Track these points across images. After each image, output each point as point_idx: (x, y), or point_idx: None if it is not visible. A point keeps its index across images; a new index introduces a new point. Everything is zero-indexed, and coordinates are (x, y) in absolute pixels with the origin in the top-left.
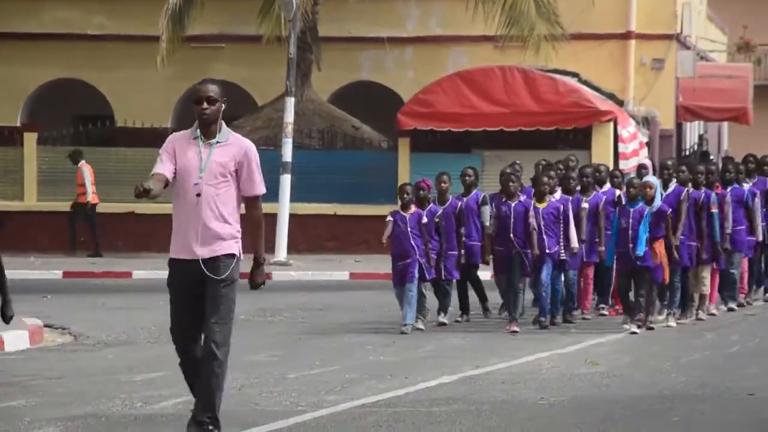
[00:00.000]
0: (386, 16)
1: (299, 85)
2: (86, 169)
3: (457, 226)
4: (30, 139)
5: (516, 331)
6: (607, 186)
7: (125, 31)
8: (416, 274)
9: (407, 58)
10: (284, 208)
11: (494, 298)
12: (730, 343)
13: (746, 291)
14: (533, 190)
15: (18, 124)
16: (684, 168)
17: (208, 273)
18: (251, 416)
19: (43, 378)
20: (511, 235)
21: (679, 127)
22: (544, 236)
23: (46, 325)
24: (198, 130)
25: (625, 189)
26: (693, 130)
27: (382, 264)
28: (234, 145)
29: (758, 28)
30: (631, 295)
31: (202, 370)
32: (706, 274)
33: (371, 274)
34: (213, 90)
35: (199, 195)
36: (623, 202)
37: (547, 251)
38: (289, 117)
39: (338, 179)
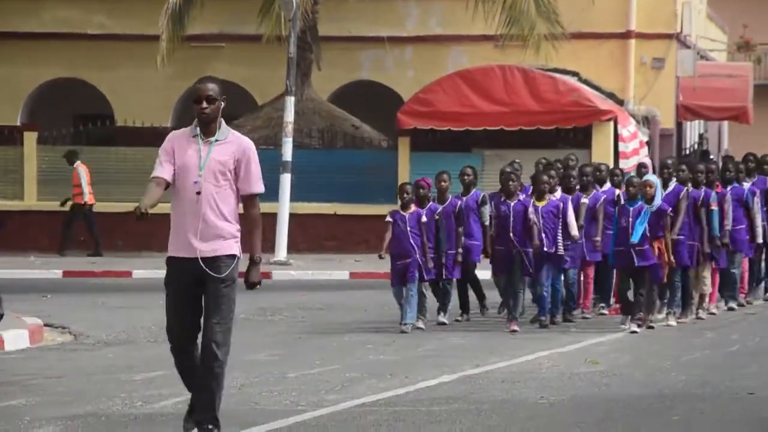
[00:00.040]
0: (386, 15)
1: (299, 84)
2: (82, 170)
3: (457, 225)
4: (30, 138)
5: (516, 331)
6: (608, 185)
7: (125, 31)
8: (417, 274)
9: (407, 57)
10: (284, 207)
11: (494, 297)
12: (731, 342)
13: (746, 290)
14: (532, 189)
15: (18, 123)
16: (684, 167)
17: (209, 272)
18: (251, 415)
19: (43, 377)
20: (511, 234)
21: (679, 126)
22: (543, 235)
23: (46, 325)
24: (197, 128)
25: (624, 188)
26: (693, 130)
27: (382, 263)
28: (233, 143)
29: (758, 27)
30: (630, 294)
31: (202, 370)
32: (707, 273)
33: (371, 274)
34: (212, 89)
35: (198, 193)
36: (622, 201)
37: (546, 250)
38: (289, 116)
39: (338, 178)
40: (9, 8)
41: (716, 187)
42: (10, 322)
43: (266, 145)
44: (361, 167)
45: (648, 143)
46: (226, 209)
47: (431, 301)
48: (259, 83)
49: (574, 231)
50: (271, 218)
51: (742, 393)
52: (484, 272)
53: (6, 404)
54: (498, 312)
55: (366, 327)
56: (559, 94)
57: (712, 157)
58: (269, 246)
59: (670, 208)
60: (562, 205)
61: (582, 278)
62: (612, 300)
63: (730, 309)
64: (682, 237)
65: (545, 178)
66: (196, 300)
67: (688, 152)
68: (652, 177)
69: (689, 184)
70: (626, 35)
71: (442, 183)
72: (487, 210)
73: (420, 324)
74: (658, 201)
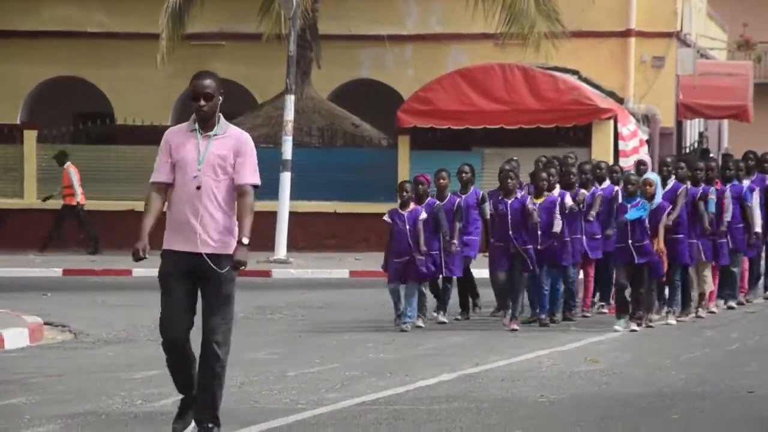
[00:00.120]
0: (386, 13)
1: (299, 82)
2: (72, 170)
3: (455, 221)
4: (30, 137)
5: (516, 330)
6: (607, 183)
7: (125, 29)
8: (416, 273)
9: (407, 55)
10: (284, 205)
11: (488, 295)
12: (730, 340)
13: (746, 289)
14: (532, 186)
15: (18, 121)
16: (682, 164)
17: (213, 267)
18: (251, 414)
19: (43, 375)
20: (510, 233)
21: (679, 124)
22: (539, 232)
23: (46, 323)
24: (195, 123)
25: (622, 185)
26: (693, 128)
27: (382, 262)
28: (232, 138)
29: (758, 25)
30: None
31: (203, 369)
32: (708, 272)
33: (371, 272)
34: (209, 86)
35: (199, 188)
36: (620, 199)
37: (542, 247)
38: (289, 115)
39: (338, 177)
40: (9, 7)
41: (715, 184)
42: (10, 321)
43: (266, 143)
44: (361, 166)
45: (648, 142)
46: (227, 204)
47: (430, 300)
48: (259, 82)
49: (570, 203)
50: (271, 217)
51: (741, 391)
52: (481, 271)
53: (6, 403)
54: (491, 314)
55: (366, 325)
56: (559, 93)
57: (712, 155)
58: (269, 245)
59: (670, 206)
60: (560, 199)
61: (582, 276)
62: (612, 299)
63: (730, 308)
64: (681, 236)
65: (544, 175)
66: (192, 295)
67: (688, 151)
68: (652, 175)
69: (688, 182)
70: (626, 34)
71: (441, 180)
72: (487, 207)
73: (420, 323)
74: (658, 199)
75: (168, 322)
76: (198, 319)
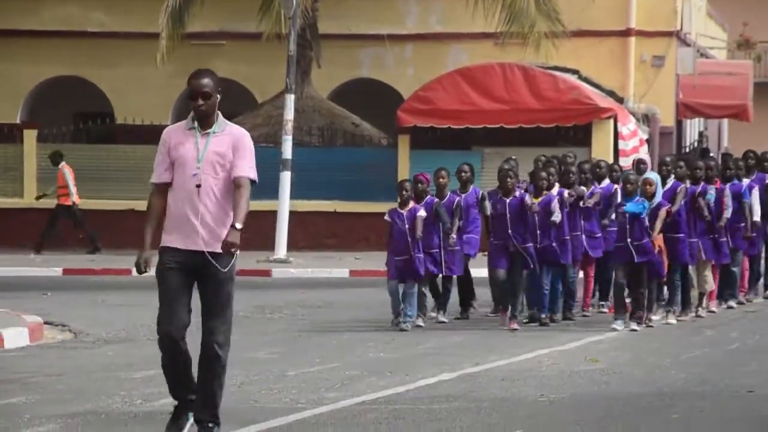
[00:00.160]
0: (386, 13)
1: (299, 82)
2: (67, 170)
3: (454, 218)
4: (30, 136)
5: (516, 329)
6: (606, 181)
7: (125, 29)
8: (416, 272)
9: (407, 55)
10: (284, 205)
11: (485, 295)
12: (730, 340)
13: (746, 289)
14: (532, 186)
15: (18, 121)
16: (681, 163)
17: (215, 264)
18: (251, 413)
19: (43, 375)
20: (510, 231)
21: (679, 124)
22: (538, 231)
23: (46, 322)
24: (194, 121)
25: (621, 185)
26: (693, 127)
27: (382, 261)
28: (231, 135)
29: (758, 25)
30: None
31: (203, 369)
32: (708, 272)
33: (371, 272)
34: (207, 85)
35: (199, 186)
36: (618, 198)
37: (541, 245)
38: (289, 114)
39: (338, 176)
40: (9, 6)
41: (715, 183)
42: (10, 320)
43: (266, 143)
44: (361, 165)
45: (648, 141)
46: (226, 202)
47: (430, 299)
48: (259, 81)
49: (555, 217)
50: (271, 216)
51: (741, 391)
52: (480, 270)
53: (6, 402)
54: (486, 315)
55: (366, 325)
56: (559, 92)
57: (711, 154)
58: (269, 244)
59: (669, 205)
60: (558, 197)
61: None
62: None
63: (730, 307)
64: (681, 235)
65: (544, 174)
66: (189, 293)
67: (688, 150)
68: (652, 174)
69: (687, 181)
70: (626, 33)
71: (441, 179)
72: (488, 205)
73: (420, 322)
74: (658, 198)
75: (166, 318)
76: (197, 320)
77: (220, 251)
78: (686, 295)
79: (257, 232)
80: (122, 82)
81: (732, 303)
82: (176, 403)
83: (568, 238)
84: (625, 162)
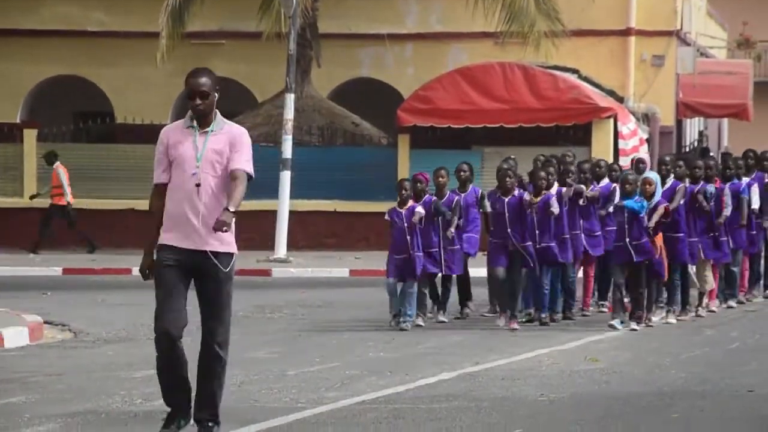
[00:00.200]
0: (386, 12)
1: (299, 81)
2: (62, 170)
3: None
4: (30, 135)
5: (516, 329)
6: (605, 181)
7: (125, 28)
8: (416, 271)
9: (407, 54)
10: (284, 204)
11: (482, 295)
12: (730, 339)
13: (746, 288)
14: (530, 186)
15: (18, 120)
16: (681, 163)
17: (217, 264)
18: (251, 413)
19: (43, 375)
20: (509, 230)
21: (679, 123)
22: (537, 231)
23: (45, 322)
24: (192, 120)
25: (620, 185)
26: (693, 127)
27: (382, 261)
28: (228, 133)
29: (758, 24)
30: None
31: (203, 369)
32: (708, 272)
33: (371, 271)
34: (205, 84)
35: (198, 185)
36: (617, 197)
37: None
38: (289, 114)
39: (338, 176)
40: (8, 5)
41: (715, 183)
42: (9, 320)
43: (266, 142)
44: (361, 164)
45: (648, 140)
46: (225, 201)
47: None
48: (259, 80)
49: (554, 208)
50: (271, 215)
51: (741, 390)
52: (478, 270)
53: (6, 401)
54: (481, 314)
55: (366, 324)
56: (559, 92)
57: (711, 154)
58: (269, 243)
59: (667, 203)
60: (556, 194)
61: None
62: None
63: (729, 307)
64: (681, 235)
65: (543, 174)
66: (185, 291)
67: (688, 149)
68: (651, 174)
69: (686, 180)
70: (626, 32)
71: (440, 179)
72: (487, 203)
73: (420, 321)
74: (657, 198)
75: (164, 316)
76: (196, 319)
77: (221, 251)
78: (685, 295)
79: (257, 231)
80: (122, 82)
81: (732, 302)
82: (169, 410)
83: (567, 236)
84: (625, 161)
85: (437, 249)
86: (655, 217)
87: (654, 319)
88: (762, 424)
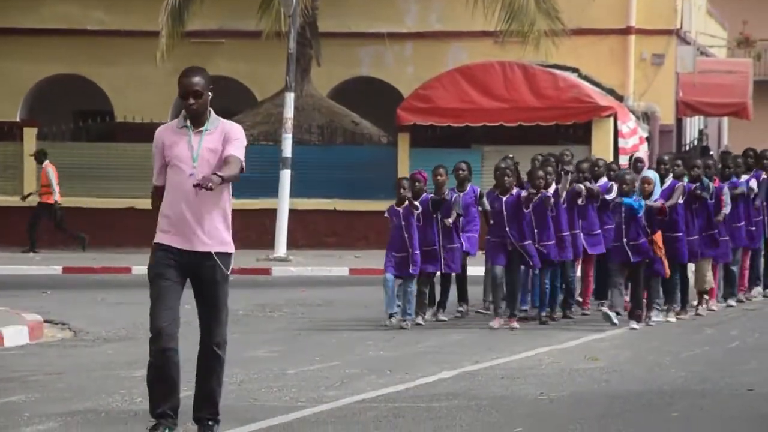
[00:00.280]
0: (386, 11)
1: (299, 80)
2: (51, 170)
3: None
4: (29, 134)
5: (515, 327)
6: (604, 179)
7: (125, 27)
8: (416, 270)
9: (407, 53)
10: (284, 203)
11: (478, 294)
12: (730, 338)
13: (746, 287)
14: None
15: (18, 119)
16: (679, 162)
17: (219, 264)
18: (251, 411)
19: (43, 373)
20: (507, 229)
21: (679, 122)
22: (536, 230)
23: (45, 321)
24: (186, 120)
25: (617, 184)
26: (693, 126)
27: (382, 259)
28: (222, 130)
29: (758, 23)
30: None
31: (202, 369)
32: (708, 271)
33: (371, 270)
34: (198, 83)
35: (196, 185)
36: (615, 195)
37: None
38: (289, 112)
39: (338, 175)
40: (8, 4)
41: (714, 182)
42: (9, 319)
43: (266, 141)
44: (361, 163)
45: (648, 139)
46: (223, 200)
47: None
48: (258, 79)
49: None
50: (271, 214)
51: (741, 389)
52: (476, 269)
53: (6, 400)
54: (477, 311)
55: (366, 323)
56: (558, 91)
57: (711, 153)
58: (269, 242)
59: (665, 201)
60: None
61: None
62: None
63: (729, 306)
64: (680, 234)
65: (541, 173)
66: (181, 291)
67: (688, 148)
68: (650, 173)
69: (685, 179)
70: (626, 31)
71: (439, 177)
72: (486, 201)
73: (419, 320)
74: (656, 197)
75: (160, 315)
76: (195, 320)
77: (221, 251)
78: (685, 294)
79: (257, 230)
80: (122, 81)
81: (731, 301)
82: (153, 422)
83: (567, 234)
84: (625, 160)
85: (436, 247)
86: (653, 206)
87: (655, 319)
88: (762, 423)
